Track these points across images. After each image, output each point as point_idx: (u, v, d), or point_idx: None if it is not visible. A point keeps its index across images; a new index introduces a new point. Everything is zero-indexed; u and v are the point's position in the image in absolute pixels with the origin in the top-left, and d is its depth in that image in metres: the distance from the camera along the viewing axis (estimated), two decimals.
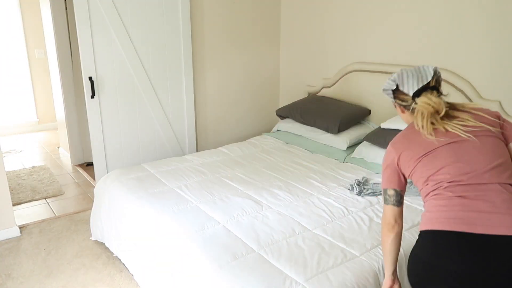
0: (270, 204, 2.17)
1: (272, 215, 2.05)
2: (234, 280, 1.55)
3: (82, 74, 3.04)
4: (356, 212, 2.10)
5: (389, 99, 1.51)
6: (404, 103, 1.45)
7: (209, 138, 3.87)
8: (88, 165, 4.34)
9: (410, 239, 1.85)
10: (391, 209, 1.39)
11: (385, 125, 2.74)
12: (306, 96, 3.85)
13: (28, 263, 2.52)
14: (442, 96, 1.41)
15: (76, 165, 4.38)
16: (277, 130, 3.58)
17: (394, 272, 1.45)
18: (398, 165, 1.39)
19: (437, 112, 1.35)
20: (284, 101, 4.23)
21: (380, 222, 1.99)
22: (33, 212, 3.24)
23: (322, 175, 2.59)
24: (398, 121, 2.64)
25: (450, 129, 1.32)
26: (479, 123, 1.33)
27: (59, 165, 4.43)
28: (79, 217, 3.14)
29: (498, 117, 1.38)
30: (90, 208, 3.25)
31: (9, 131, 5.74)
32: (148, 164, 2.79)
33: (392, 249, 1.41)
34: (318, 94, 3.71)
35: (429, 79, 1.41)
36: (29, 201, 3.44)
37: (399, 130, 1.86)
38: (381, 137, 2.66)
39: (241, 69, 3.92)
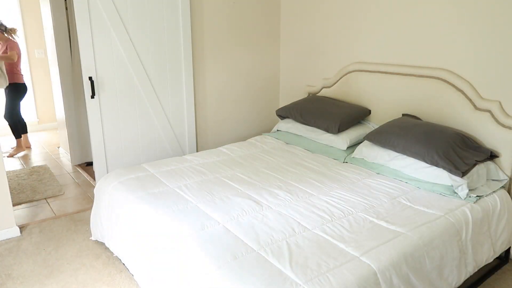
0: (270, 204, 2.17)
1: (272, 215, 2.05)
2: (234, 280, 1.55)
3: (82, 74, 3.05)
4: (356, 212, 2.10)
5: None
6: None
7: (209, 138, 3.87)
8: (88, 165, 4.34)
9: (412, 239, 1.85)
10: None
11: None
12: (306, 96, 3.85)
13: (28, 263, 2.52)
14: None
15: (76, 165, 4.38)
16: (277, 130, 3.58)
17: None
18: None
19: None
20: (284, 101, 4.23)
21: (380, 223, 1.99)
22: (33, 212, 3.24)
23: (322, 175, 2.58)
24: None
25: None
26: None
27: (59, 165, 4.43)
28: (79, 217, 3.14)
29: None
30: (90, 208, 3.25)
31: (9, 131, 5.74)
32: (148, 164, 2.79)
33: None
34: (318, 94, 3.71)
35: None
36: (29, 201, 3.44)
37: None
38: (382, 136, 2.66)
39: (241, 69, 3.92)
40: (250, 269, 1.60)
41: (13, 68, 4.57)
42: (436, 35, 2.76)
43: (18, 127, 4.79)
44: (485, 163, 2.43)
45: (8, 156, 4.70)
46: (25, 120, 4.94)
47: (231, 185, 2.44)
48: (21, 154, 4.86)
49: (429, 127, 2.56)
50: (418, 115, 2.89)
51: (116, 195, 2.40)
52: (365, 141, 2.86)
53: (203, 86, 3.71)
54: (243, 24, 3.82)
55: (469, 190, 2.28)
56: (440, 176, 2.34)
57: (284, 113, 3.51)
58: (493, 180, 2.48)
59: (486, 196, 2.32)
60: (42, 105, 6.09)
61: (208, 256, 1.70)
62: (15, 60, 4.46)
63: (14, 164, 4.45)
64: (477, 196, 2.26)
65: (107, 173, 3.15)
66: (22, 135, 4.93)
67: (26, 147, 5.04)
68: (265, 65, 4.08)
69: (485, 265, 2.32)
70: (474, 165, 2.34)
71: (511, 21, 2.38)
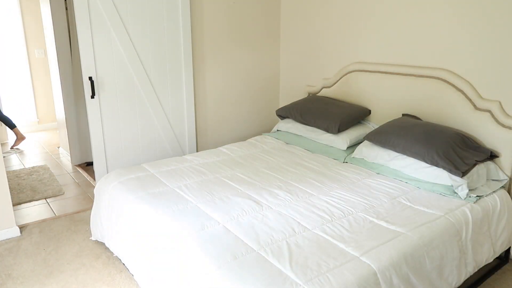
0: (270, 204, 2.17)
1: (272, 215, 2.05)
2: (234, 280, 1.55)
3: (82, 74, 3.05)
4: (356, 212, 2.10)
5: None
6: None
7: (209, 138, 3.87)
8: (88, 165, 4.34)
9: (412, 239, 1.85)
10: None
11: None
12: (306, 96, 3.85)
13: (28, 263, 2.52)
14: None
15: (76, 165, 4.38)
16: (277, 130, 3.58)
17: None
18: None
19: None
20: (284, 101, 4.23)
21: (380, 223, 1.99)
22: (33, 212, 3.24)
23: (322, 175, 2.58)
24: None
25: None
26: None
27: (59, 165, 4.43)
28: (79, 217, 3.14)
29: None
30: (90, 208, 3.25)
31: (9, 131, 5.74)
32: (148, 164, 2.79)
33: None
34: (318, 94, 3.71)
35: None
36: (29, 201, 3.44)
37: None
38: (382, 136, 2.66)
39: (241, 69, 3.92)
40: (250, 269, 1.60)
41: None
42: (436, 35, 2.76)
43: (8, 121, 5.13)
44: (485, 163, 2.43)
45: (11, 148, 5.09)
46: (7, 116, 5.15)
47: (231, 185, 2.44)
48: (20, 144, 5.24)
49: (429, 127, 2.56)
50: (418, 115, 2.89)
51: (116, 195, 2.40)
52: (365, 141, 2.86)
53: (203, 86, 3.71)
54: (243, 24, 3.82)
55: (469, 190, 2.28)
56: (440, 176, 2.34)
57: (284, 113, 3.51)
58: (493, 180, 2.48)
59: (486, 196, 2.32)
60: (42, 105, 6.09)
61: (208, 256, 1.70)
62: None
63: (14, 164, 4.45)
64: (477, 196, 2.26)
65: (107, 173, 3.15)
66: (13, 130, 5.14)
67: (21, 139, 5.19)
68: (265, 65, 4.08)
69: (485, 265, 2.32)
70: (474, 165, 2.34)
71: (511, 22, 2.38)
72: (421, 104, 2.86)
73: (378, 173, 2.62)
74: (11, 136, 5.54)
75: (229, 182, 2.48)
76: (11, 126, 5.06)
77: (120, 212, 2.32)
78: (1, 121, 5.03)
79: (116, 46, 3.13)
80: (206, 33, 3.61)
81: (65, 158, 4.65)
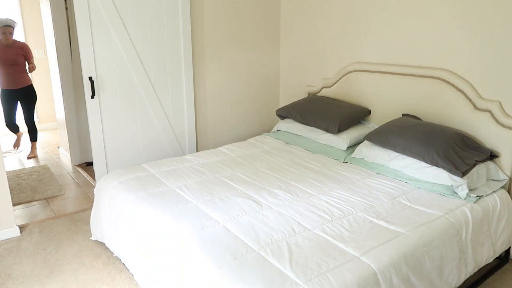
0: (270, 204, 2.17)
1: (272, 215, 2.05)
2: (234, 280, 1.55)
3: (82, 74, 3.05)
4: (356, 212, 2.10)
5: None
6: None
7: (209, 138, 3.87)
8: (88, 165, 4.34)
9: (412, 239, 1.85)
10: None
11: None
12: (306, 96, 3.85)
13: (28, 263, 2.52)
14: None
15: (76, 165, 4.38)
16: (277, 130, 3.58)
17: None
18: None
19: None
20: (284, 101, 4.23)
21: (380, 223, 1.99)
22: (33, 212, 3.24)
23: (322, 175, 2.58)
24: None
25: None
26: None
27: (59, 165, 4.43)
28: (79, 217, 3.14)
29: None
30: (90, 208, 3.25)
31: (9, 131, 5.74)
32: (148, 164, 2.79)
33: None
34: (318, 94, 3.71)
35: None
36: (29, 201, 3.44)
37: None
38: (382, 136, 2.66)
39: (241, 69, 3.92)
40: (250, 269, 1.60)
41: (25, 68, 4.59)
42: (436, 35, 2.76)
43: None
44: (485, 163, 2.43)
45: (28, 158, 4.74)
46: (37, 128, 4.89)
47: (231, 185, 2.44)
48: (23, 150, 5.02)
49: (429, 127, 2.56)
50: (418, 115, 2.89)
51: (116, 195, 2.40)
52: (365, 141, 2.86)
53: (203, 86, 3.71)
54: (243, 24, 3.82)
55: (469, 190, 2.28)
56: (440, 176, 2.34)
57: (284, 113, 3.51)
58: (493, 180, 2.48)
59: (486, 196, 2.32)
60: (42, 105, 6.09)
61: (208, 256, 1.70)
62: None
63: (14, 164, 4.45)
64: (477, 196, 2.26)
65: (107, 173, 3.15)
66: (32, 142, 4.85)
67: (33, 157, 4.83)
68: (265, 65, 4.08)
69: (485, 265, 2.32)
70: (474, 165, 2.34)
71: (510, 22, 2.38)
72: (421, 104, 2.86)
73: (378, 173, 2.62)
74: (11, 137, 5.54)
75: (229, 182, 2.48)
76: (34, 138, 4.77)
77: (120, 212, 2.32)
78: (29, 128, 4.72)
79: (116, 46, 3.13)
80: (206, 33, 3.61)
81: (65, 158, 4.65)
